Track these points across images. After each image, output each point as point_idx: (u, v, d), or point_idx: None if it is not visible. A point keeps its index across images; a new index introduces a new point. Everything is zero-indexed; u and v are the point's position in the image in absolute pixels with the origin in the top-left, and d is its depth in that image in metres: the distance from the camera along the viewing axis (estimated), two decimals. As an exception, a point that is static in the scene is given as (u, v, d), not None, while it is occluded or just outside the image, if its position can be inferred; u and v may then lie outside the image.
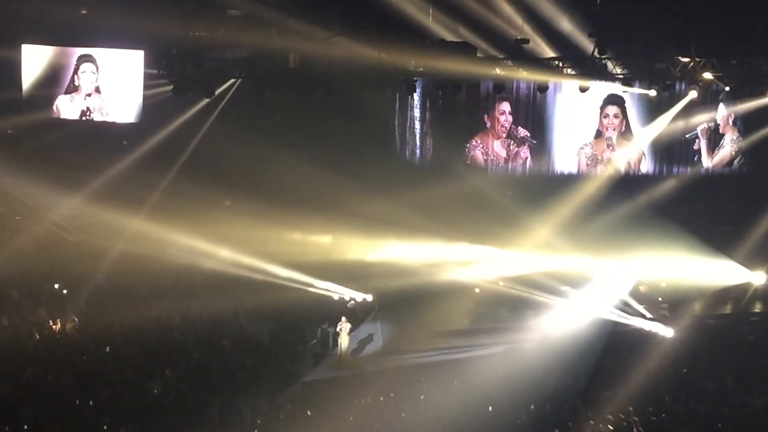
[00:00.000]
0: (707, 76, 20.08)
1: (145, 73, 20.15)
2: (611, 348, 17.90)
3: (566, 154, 22.45)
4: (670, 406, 15.29)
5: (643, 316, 19.64)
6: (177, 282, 19.85)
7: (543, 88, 20.78)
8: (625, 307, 19.83)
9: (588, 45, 19.98)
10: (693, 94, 21.30)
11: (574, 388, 16.16)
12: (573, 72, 20.45)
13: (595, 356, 17.32)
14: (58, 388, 15.50)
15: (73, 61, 20.45)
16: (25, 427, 14.28)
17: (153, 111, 20.57)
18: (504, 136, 22.10)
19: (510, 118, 22.11)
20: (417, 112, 22.48)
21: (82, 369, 16.19)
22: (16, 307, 18.45)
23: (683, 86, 21.35)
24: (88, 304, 18.91)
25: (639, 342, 18.27)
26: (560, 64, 20.24)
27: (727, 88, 20.75)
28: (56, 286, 19.57)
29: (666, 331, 18.80)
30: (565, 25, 20.49)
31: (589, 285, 20.71)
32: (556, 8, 20.12)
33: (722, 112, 22.33)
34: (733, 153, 22.82)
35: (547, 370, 16.62)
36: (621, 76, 20.48)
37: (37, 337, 17.36)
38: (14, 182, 21.56)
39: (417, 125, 22.52)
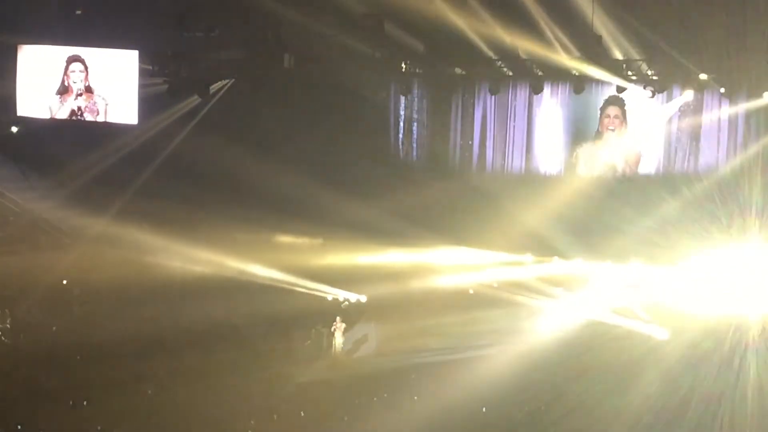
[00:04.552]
0: (702, 77, 20.07)
1: (139, 70, 20.11)
2: (605, 349, 17.94)
3: (562, 155, 22.45)
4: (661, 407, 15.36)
5: (638, 318, 19.64)
6: (170, 284, 19.86)
7: (538, 89, 20.84)
8: (620, 309, 19.83)
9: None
10: (689, 95, 21.33)
11: (567, 389, 16.19)
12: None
13: (588, 357, 17.36)
14: (51, 389, 15.53)
15: (63, 61, 20.41)
16: (18, 427, 14.29)
17: (145, 110, 20.53)
18: (495, 136, 22.15)
19: (506, 119, 22.15)
20: (414, 113, 22.52)
21: (75, 370, 16.23)
22: (9, 307, 18.51)
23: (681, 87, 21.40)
24: (80, 305, 18.96)
25: (633, 343, 18.30)
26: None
27: (722, 90, 20.73)
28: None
29: (661, 333, 18.82)
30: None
31: (584, 287, 20.71)
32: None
33: (721, 113, 22.32)
34: (731, 154, 22.80)
35: (540, 371, 16.67)
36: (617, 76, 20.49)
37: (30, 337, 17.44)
38: (10, 184, 21.59)
39: (414, 126, 22.57)
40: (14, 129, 21.34)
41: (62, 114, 20.54)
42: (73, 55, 20.35)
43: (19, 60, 20.33)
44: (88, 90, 20.47)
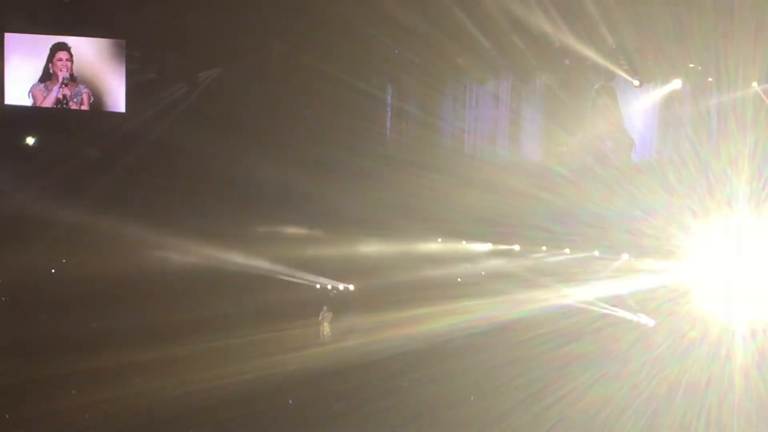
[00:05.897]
0: (691, 66, 20.12)
1: (127, 58, 20.04)
2: (593, 338, 18.02)
3: (552, 144, 22.49)
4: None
5: (626, 307, 19.72)
6: (159, 274, 19.81)
7: (529, 79, 20.87)
8: (608, 298, 19.89)
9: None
10: (677, 84, 21.36)
11: (555, 378, 16.27)
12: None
13: (576, 346, 17.44)
14: (40, 379, 15.57)
15: (48, 48, 20.29)
16: (7, 416, 14.36)
17: (134, 98, 20.46)
18: (485, 126, 22.19)
19: (496, 108, 22.17)
20: (403, 102, 22.50)
21: (64, 360, 16.25)
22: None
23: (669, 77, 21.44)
24: (68, 294, 18.95)
25: (621, 332, 18.39)
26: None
27: (711, 79, 20.77)
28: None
29: (648, 322, 18.91)
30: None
31: (573, 276, 20.76)
32: None
33: (709, 103, 22.36)
34: (719, 143, 22.85)
35: (529, 360, 16.76)
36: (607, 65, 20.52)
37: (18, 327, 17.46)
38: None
39: (403, 115, 22.55)
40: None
41: (47, 103, 20.45)
42: (59, 43, 20.24)
43: (5, 48, 20.21)
44: (74, 79, 20.38)
